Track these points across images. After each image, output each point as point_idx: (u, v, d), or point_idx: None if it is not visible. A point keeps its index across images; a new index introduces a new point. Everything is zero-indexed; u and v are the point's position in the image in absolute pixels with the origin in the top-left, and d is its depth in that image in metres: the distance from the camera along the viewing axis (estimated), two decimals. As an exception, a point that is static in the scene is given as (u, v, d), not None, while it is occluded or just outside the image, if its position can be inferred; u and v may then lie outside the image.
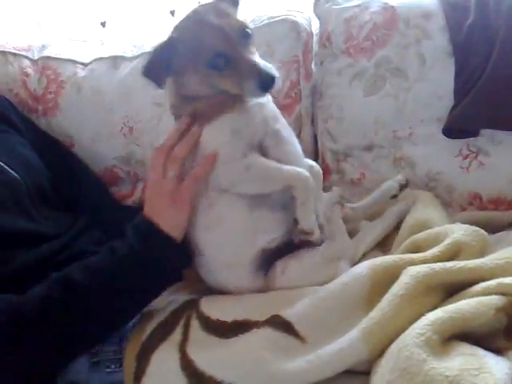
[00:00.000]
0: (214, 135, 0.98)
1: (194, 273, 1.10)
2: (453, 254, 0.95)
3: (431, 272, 0.88)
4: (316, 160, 1.48)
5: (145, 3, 2.06)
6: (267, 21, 1.38)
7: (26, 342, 0.89)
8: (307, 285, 0.99)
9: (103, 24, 2.13)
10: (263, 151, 1.00)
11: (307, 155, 1.43)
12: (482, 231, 0.98)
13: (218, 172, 0.98)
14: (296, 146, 1.07)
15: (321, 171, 1.12)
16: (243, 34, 0.94)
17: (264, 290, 1.01)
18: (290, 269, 1.01)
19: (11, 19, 2.09)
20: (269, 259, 1.02)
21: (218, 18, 0.94)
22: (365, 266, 0.94)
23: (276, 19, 1.38)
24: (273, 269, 1.01)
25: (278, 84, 0.92)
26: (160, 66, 0.96)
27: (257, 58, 0.93)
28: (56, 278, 0.94)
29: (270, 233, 1.02)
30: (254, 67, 0.91)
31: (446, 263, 0.90)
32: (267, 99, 1.04)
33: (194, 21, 0.97)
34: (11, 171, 1.08)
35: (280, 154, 1.01)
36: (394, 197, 1.24)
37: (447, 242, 0.97)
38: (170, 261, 0.98)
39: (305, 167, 1.04)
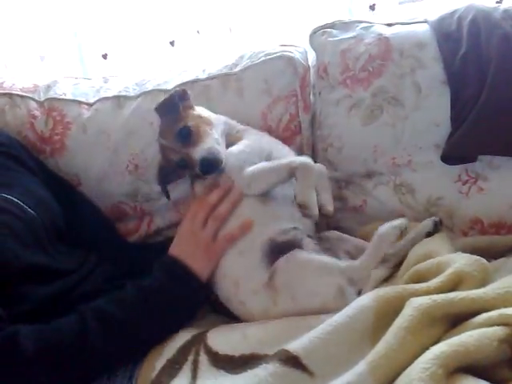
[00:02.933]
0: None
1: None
2: (455, 284, 0.96)
3: (434, 304, 0.89)
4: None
5: (145, 34, 2.11)
6: (264, 58, 1.41)
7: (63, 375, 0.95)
8: (304, 290, 1.05)
9: (105, 56, 2.18)
10: None
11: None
12: (484, 261, 1.00)
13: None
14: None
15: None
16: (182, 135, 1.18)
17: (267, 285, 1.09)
18: (295, 258, 1.09)
19: (14, 53, 2.14)
20: (275, 251, 1.11)
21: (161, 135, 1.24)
22: (369, 298, 0.96)
23: (273, 56, 1.40)
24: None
25: (221, 164, 1.15)
26: None
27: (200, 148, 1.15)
28: (91, 311, 1.00)
29: (280, 223, 1.15)
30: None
31: (448, 294, 0.91)
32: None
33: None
34: (28, 209, 1.11)
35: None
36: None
37: (449, 271, 0.98)
38: (194, 295, 1.10)
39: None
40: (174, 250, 1.14)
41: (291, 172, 1.14)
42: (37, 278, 1.05)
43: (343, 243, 1.22)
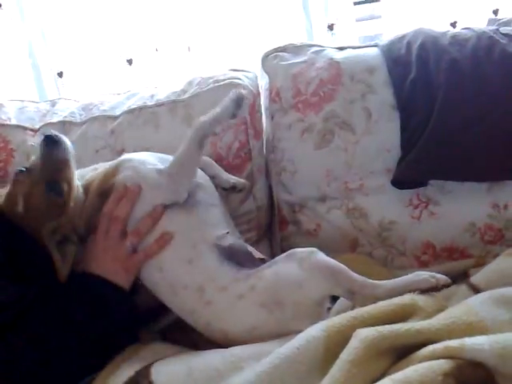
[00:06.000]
0: None
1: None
2: (406, 315, 0.95)
3: (379, 335, 0.87)
4: (273, 211, 1.50)
5: (102, 52, 2.08)
6: (213, 85, 1.39)
7: None
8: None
9: (60, 74, 2.14)
10: None
11: (263, 208, 1.46)
12: (444, 302, 0.99)
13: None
14: None
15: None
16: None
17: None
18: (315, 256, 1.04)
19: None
20: (226, 255, 1.08)
21: None
22: (319, 328, 0.93)
23: (221, 83, 1.38)
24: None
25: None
26: None
27: None
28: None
29: (211, 230, 1.11)
30: None
31: (393, 326, 0.89)
32: None
33: None
34: None
35: None
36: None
37: (403, 301, 0.97)
38: (123, 308, 1.07)
39: None
40: (91, 266, 1.08)
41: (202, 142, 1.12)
42: None
43: None
